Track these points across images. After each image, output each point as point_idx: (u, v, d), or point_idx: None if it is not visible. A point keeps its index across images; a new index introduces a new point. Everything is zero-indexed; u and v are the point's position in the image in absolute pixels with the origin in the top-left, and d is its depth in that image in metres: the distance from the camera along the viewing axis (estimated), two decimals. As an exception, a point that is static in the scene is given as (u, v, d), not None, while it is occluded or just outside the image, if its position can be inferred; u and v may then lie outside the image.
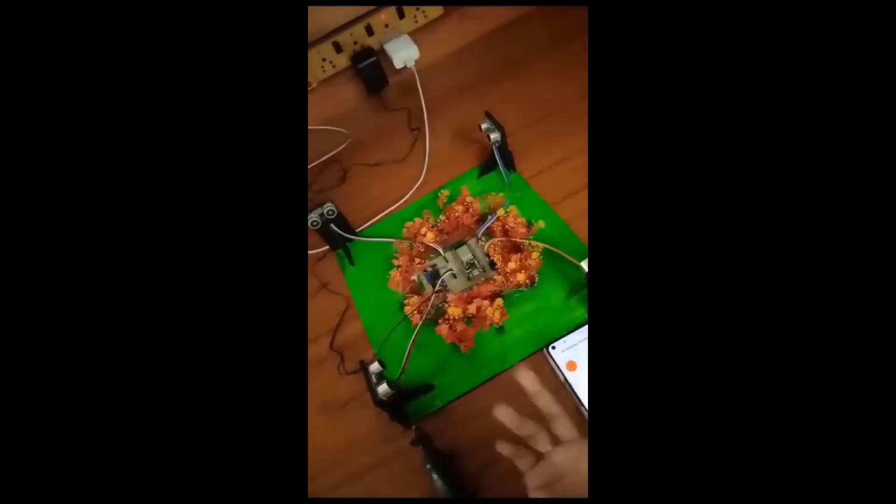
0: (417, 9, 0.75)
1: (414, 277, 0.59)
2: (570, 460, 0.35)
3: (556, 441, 0.36)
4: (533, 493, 0.35)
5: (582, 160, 0.64)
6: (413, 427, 0.48)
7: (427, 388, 0.51)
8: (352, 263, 0.64)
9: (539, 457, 0.36)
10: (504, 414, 0.37)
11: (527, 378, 0.37)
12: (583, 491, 0.34)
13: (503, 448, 0.38)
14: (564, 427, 0.37)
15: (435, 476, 0.44)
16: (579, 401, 0.47)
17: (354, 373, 0.55)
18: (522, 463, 0.37)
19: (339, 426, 0.53)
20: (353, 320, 0.60)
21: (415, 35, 0.76)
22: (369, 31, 0.75)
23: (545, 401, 0.37)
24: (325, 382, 0.56)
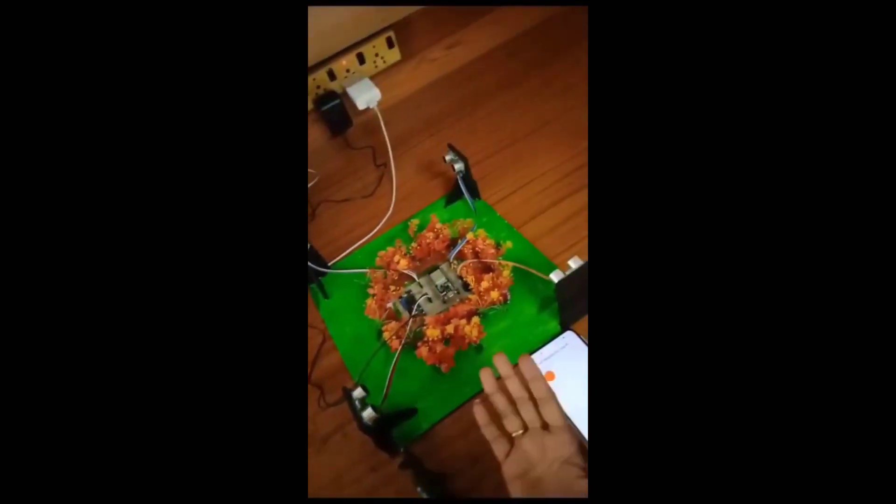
0: (377, 55, 0.80)
1: (389, 305, 0.60)
2: (538, 448, 0.38)
3: (523, 425, 0.40)
4: (510, 484, 0.38)
5: (542, 184, 0.68)
6: (402, 450, 0.48)
7: (410, 412, 0.51)
8: (325, 296, 0.64)
9: (511, 442, 0.39)
10: (488, 376, 0.42)
11: (501, 364, 0.41)
12: (550, 477, 0.37)
13: (483, 423, 0.41)
14: (529, 413, 0.40)
15: (426, 497, 0.44)
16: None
17: (336, 404, 0.54)
18: (498, 449, 0.40)
19: (323, 461, 0.51)
20: (331, 352, 0.59)
21: (375, 79, 0.80)
22: (331, 75, 0.78)
23: (514, 386, 0.41)
24: (305, 418, 0.55)
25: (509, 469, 0.38)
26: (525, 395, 0.41)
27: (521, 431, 0.39)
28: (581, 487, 0.36)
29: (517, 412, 0.40)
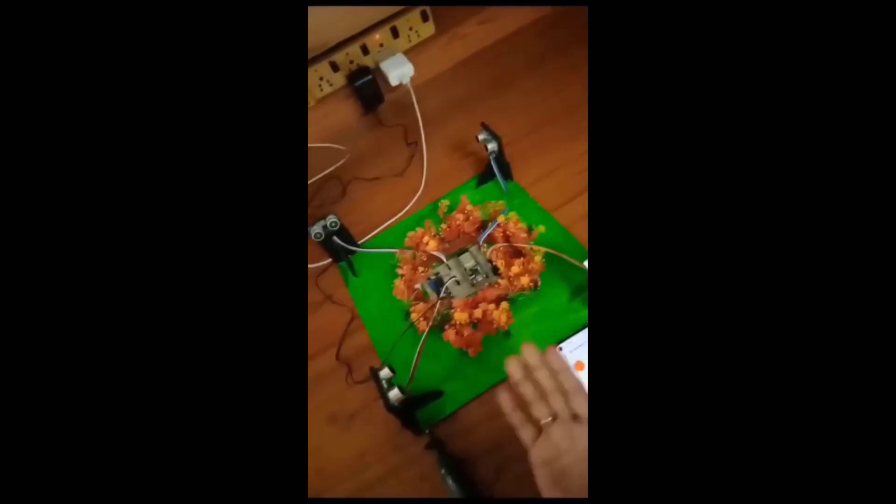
0: (410, 28, 0.78)
1: (418, 286, 0.60)
2: (567, 437, 0.38)
3: (553, 414, 0.39)
4: (536, 469, 0.37)
5: (576, 167, 0.66)
6: (427, 431, 0.48)
7: (436, 394, 0.51)
8: (354, 275, 0.64)
9: (538, 428, 0.39)
10: (514, 365, 0.40)
11: (529, 353, 0.40)
12: (578, 469, 0.36)
13: (509, 410, 0.40)
14: (559, 403, 0.39)
15: (450, 481, 0.44)
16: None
17: (363, 382, 0.55)
18: (525, 434, 0.39)
19: (348, 438, 0.52)
20: (359, 331, 0.60)
21: (409, 54, 0.78)
22: (364, 50, 0.77)
23: (543, 376, 0.40)
24: (332, 394, 0.55)
25: (537, 454, 0.38)
26: (554, 385, 0.40)
27: (549, 419, 0.39)
28: None
29: (545, 400, 0.39)
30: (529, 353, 0.40)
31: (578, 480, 0.36)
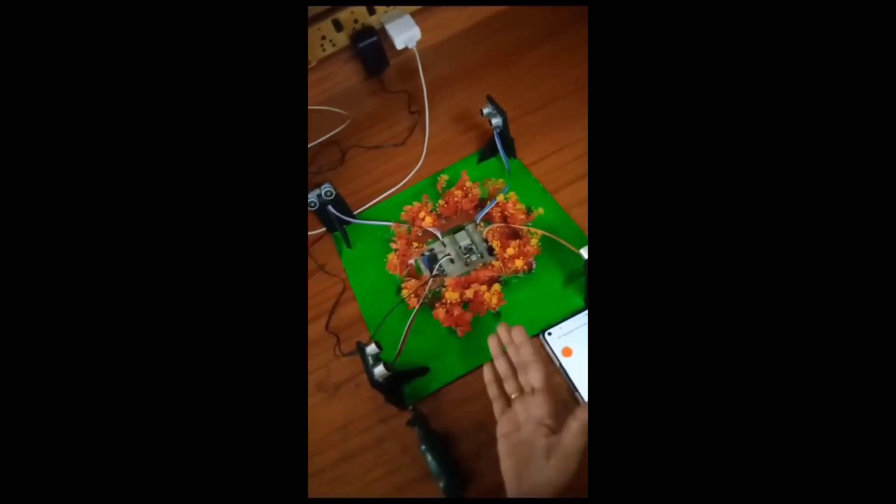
0: (420, -12, 0.74)
1: (411, 261, 0.59)
2: (525, 410, 0.40)
3: (519, 388, 0.42)
4: (499, 441, 0.40)
5: (583, 148, 0.64)
6: (410, 407, 0.48)
7: (422, 370, 0.52)
8: (349, 246, 0.63)
9: (508, 403, 0.42)
10: (492, 341, 0.44)
11: (502, 331, 0.44)
12: (526, 438, 0.38)
13: (487, 381, 0.43)
14: (524, 378, 0.41)
15: (429, 457, 0.45)
16: (574, 386, 0.47)
17: (350, 354, 0.55)
18: (496, 407, 0.42)
19: (334, 407, 0.53)
20: (350, 302, 0.59)
21: (416, 16, 0.75)
22: (370, 9, 0.73)
23: (513, 351, 0.43)
24: (320, 363, 0.56)
25: (500, 427, 0.41)
26: (529, 358, 0.42)
27: (516, 394, 0.41)
28: (541, 445, 0.37)
29: (515, 376, 0.42)
30: (502, 331, 0.44)
31: (523, 449, 0.38)
